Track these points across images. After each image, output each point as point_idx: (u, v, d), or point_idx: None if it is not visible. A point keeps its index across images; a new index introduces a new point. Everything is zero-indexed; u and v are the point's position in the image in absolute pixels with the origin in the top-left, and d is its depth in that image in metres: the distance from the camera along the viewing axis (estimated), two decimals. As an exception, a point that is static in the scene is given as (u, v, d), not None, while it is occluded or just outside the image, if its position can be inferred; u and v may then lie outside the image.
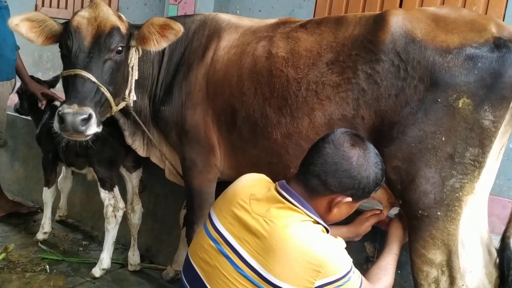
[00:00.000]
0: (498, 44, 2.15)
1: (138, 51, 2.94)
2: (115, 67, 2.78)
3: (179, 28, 2.74)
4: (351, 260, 1.92)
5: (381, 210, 2.60)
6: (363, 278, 2.01)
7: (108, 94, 2.73)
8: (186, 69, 2.98)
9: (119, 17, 2.84)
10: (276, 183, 2.04)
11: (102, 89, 2.68)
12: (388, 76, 2.27)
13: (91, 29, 2.73)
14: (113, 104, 2.81)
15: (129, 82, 2.95)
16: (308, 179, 1.95)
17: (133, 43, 2.85)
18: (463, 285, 2.32)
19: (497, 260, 2.50)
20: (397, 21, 2.29)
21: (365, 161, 1.94)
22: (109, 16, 2.78)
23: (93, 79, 2.63)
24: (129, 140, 3.32)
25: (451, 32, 2.23)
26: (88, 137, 2.67)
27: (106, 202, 3.83)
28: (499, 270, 2.49)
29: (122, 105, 2.98)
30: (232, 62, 2.80)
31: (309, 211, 1.92)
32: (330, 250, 1.84)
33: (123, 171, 3.99)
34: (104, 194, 3.83)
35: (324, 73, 2.45)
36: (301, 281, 1.79)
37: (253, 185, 2.05)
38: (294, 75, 2.53)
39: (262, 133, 2.66)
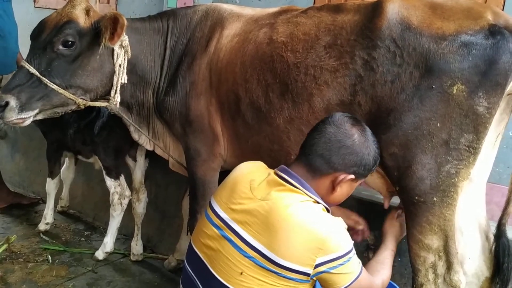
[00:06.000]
0: (493, 31, 2.16)
1: (127, 52, 2.94)
2: (64, 60, 2.82)
3: (122, 21, 2.76)
4: (352, 242, 1.95)
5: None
6: (363, 268, 2.03)
7: (53, 86, 2.78)
8: (190, 59, 2.99)
9: (87, 12, 2.87)
10: (276, 168, 2.08)
11: (44, 80, 2.76)
12: (384, 62, 2.29)
13: (53, 23, 2.85)
14: (71, 97, 2.85)
15: (114, 82, 2.95)
16: (311, 159, 2.01)
17: (102, 38, 2.84)
18: (460, 270, 2.35)
19: (493, 247, 2.52)
20: (394, 8, 2.31)
21: (365, 139, 2.02)
22: (73, 10, 2.84)
23: (32, 70, 2.76)
24: (135, 136, 3.33)
25: (447, 20, 2.24)
26: (11, 122, 2.78)
27: (112, 190, 3.89)
28: (494, 257, 2.51)
29: (99, 103, 3.03)
30: (235, 50, 2.82)
31: (310, 192, 1.98)
32: (331, 228, 1.89)
33: (129, 160, 4.03)
34: (110, 182, 3.88)
35: (322, 57, 2.46)
36: (303, 258, 1.84)
37: (252, 171, 2.10)
38: (293, 59, 2.55)
39: (265, 119, 2.68)
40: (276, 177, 2.01)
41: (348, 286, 1.93)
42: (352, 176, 2.00)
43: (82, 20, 2.84)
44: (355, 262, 1.95)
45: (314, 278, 1.91)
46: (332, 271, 1.88)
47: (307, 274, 1.87)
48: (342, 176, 1.99)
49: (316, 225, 1.87)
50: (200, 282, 2.06)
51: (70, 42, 2.81)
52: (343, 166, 1.98)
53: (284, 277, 1.86)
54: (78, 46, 2.84)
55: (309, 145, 2.03)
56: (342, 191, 2.07)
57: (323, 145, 1.99)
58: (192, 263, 2.13)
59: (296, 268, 1.85)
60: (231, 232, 1.97)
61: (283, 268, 1.85)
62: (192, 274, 2.12)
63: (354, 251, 1.94)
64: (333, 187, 2.03)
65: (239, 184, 2.06)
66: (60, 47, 2.81)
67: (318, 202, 1.99)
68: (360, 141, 2.00)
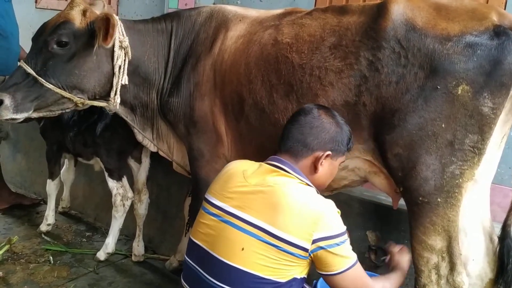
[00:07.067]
0: (498, 31, 2.16)
1: (128, 53, 2.95)
2: (60, 60, 2.85)
3: (113, 21, 2.78)
4: (345, 226, 2.03)
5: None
6: (359, 264, 2.07)
7: (49, 86, 2.81)
8: (194, 61, 2.99)
9: (84, 12, 2.88)
10: (265, 160, 2.22)
11: (39, 79, 2.80)
12: (389, 63, 2.29)
13: (51, 24, 2.89)
14: (68, 95, 2.87)
15: (114, 83, 2.96)
16: (290, 146, 2.18)
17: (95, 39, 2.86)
18: (463, 271, 2.35)
19: (498, 249, 2.51)
20: (398, 9, 2.31)
21: (333, 119, 2.21)
22: (70, 11, 2.88)
23: (28, 70, 2.81)
24: (139, 137, 3.34)
25: (452, 21, 2.25)
26: (5, 120, 2.83)
27: (114, 191, 3.89)
28: (498, 258, 2.51)
29: (98, 103, 3.03)
30: (240, 51, 2.82)
31: (301, 176, 2.13)
32: (325, 207, 2.01)
33: (131, 162, 4.02)
34: (112, 183, 3.88)
35: (327, 57, 2.47)
36: (301, 232, 1.94)
37: (243, 165, 2.24)
38: (298, 60, 2.55)
39: (269, 120, 2.69)
40: (269, 166, 2.16)
41: (344, 271, 1.99)
42: (329, 152, 2.16)
43: (78, 21, 2.87)
44: (350, 248, 2.04)
45: (312, 256, 1.98)
46: (328, 249, 1.95)
47: (306, 249, 1.95)
48: (320, 154, 2.15)
49: (312, 202, 2.01)
50: (202, 269, 2.12)
51: (64, 42, 2.84)
52: (319, 144, 2.16)
53: (284, 251, 1.94)
54: (73, 46, 2.86)
55: (285, 134, 2.21)
56: (325, 171, 2.20)
57: (296, 130, 2.18)
58: (193, 254, 2.20)
59: (295, 242, 1.93)
60: (230, 216, 2.07)
61: (283, 241, 1.94)
62: (194, 265, 2.17)
63: (347, 236, 2.03)
64: (315, 167, 2.17)
65: (232, 176, 2.18)
66: (55, 46, 2.84)
67: (309, 185, 2.13)
68: (328, 120, 2.19)
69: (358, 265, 2.05)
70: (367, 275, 2.12)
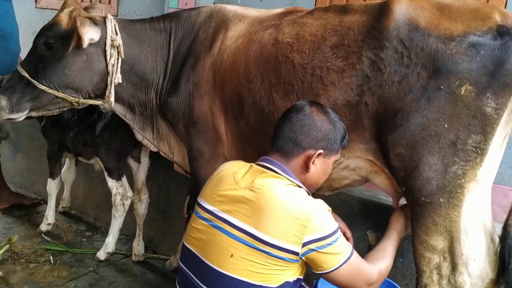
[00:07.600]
0: (501, 31, 2.16)
1: (120, 52, 2.97)
2: (49, 61, 2.91)
3: (77, 23, 2.84)
4: (336, 223, 2.01)
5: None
6: (356, 253, 2.06)
7: (42, 87, 2.88)
8: (193, 61, 2.99)
9: (70, 14, 2.92)
10: (257, 160, 2.21)
11: (32, 82, 2.88)
12: (392, 63, 2.28)
13: (45, 26, 2.98)
14: (61, 95, 2.92)
15: (108, 82, 2.99)
16: (281, 145, 2.15)
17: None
18: (464, 271, 2.35)
19: (498, 248, 2.51)
20: (401, 9, 2.31)
21: (325, 116, 2.17)
22: (60, 13, 2.95)
23: (23, 73, 2.90)
24: (139, 137, 3.35)
25: (455, 20, 2.24)
26: (3, 120, 2.95)
27: (114, 191, 3.88)
28: (499, 258, 2.50)
29: (92, 102, 3.06)
30: (239, 50, 2.82)
31: (291, 177, 2.10)
32: (315, 208, 1.97)
33: (130, 161, 4.02)
34: (112, 183, 3.88)
35: (329, 57, 2.46)
36: (289, 236, 1.91)
37: (234, 166, 2.22)
38: (299, 60, 2.55)
39: (268, 120, 2.68)
40: (258, 167, 2.14)
41: (338, 268, 1.98)
42: (321, 151, 2.12)
43: (65, 22, 2.92)
44: (343, 243, 2.01)
45: (303, 258, 1.96)
46: (320, 250, 1.93)
47: (296, 253, 1.93)
48: (312, 152, 2.12)
49: (300, 204, 1.96)
50: (195, 276, 2.11)
51: (50, 44, 2.90)
52: (310, 143, 2.12)
53: (274, 256, 1.92)
54: (60, 47, 2.90)
55: (277, 133, 2.18)
56: (317, 170, 2.17)
57: (287, 129, 2.14)
58: (186, 259, 2.19)
59: (284, 246, 1.91)
60: (220, 221, 2.05)
61: (272, 246, 1.91)
62: (187, 270, 2.16)
63: (340, 232, 2.01)
64: (306, 167, 2.14)
65: (223, 178, 2.16)
66: (43, 48, 2.91)
67: (300, 187, 2.09)
68: (321, 118, 2.15)
69: (354, 256, 2.03)
70: (364, 264, 2.11)
